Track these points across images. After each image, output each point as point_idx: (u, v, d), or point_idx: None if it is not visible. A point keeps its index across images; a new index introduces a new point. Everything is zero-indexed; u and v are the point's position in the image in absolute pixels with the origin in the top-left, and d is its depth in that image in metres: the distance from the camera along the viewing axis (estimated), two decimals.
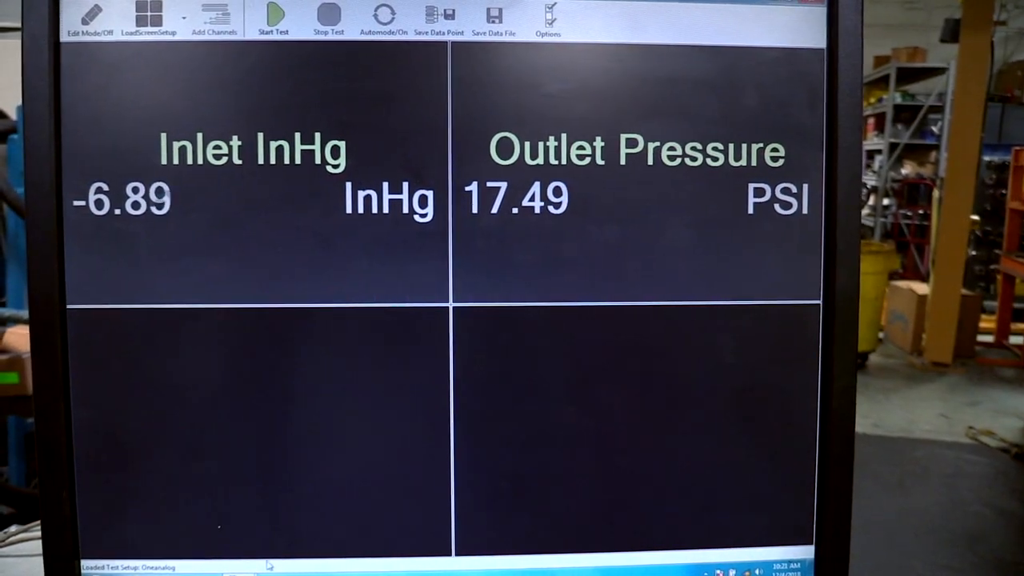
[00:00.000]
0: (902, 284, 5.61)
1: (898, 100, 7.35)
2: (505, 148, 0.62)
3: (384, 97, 0.61)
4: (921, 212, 7.18)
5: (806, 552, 0.66)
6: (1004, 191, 5.79)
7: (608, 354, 0.64)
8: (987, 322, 5.49)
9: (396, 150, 0.62)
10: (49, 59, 0.60)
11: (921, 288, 5.36)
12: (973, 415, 4.09)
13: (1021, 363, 5.06)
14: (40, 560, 0.62)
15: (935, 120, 7.37)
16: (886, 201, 7.53)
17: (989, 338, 5.38)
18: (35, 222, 0.60)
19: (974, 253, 6.17)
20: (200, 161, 0.61)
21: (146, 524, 0.63)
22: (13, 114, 2.85)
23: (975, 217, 5.47)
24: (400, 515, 0.64)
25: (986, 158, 6.16)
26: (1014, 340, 5.34)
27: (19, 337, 2.13)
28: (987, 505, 3.00)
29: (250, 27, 0.61)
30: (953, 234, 5.01)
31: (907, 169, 7.51)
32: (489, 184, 0.62)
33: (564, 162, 0.63)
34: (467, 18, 0.62)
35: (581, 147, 0.63)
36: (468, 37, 0.62)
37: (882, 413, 4.10)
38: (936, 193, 5.73)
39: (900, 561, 2.54)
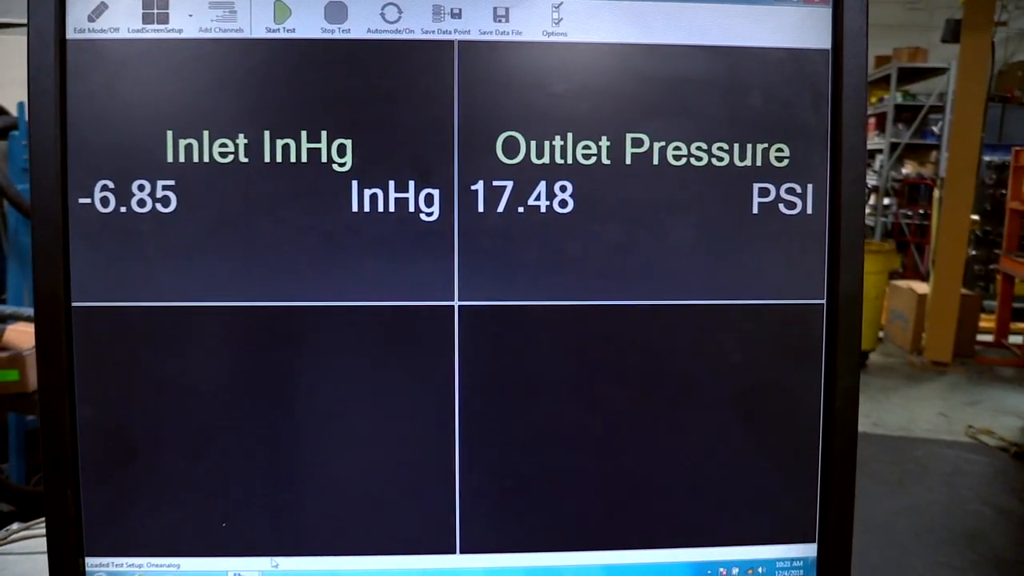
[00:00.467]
0: (902, 283, 5.61)
1: (899, 100, 7.35)
2: (511, 147, 0.62)
3: (390, 96, 0.62)
4: (921, 212, 7.18)
5: (808, 551, 0.66)
6: (1004, 191, 5.79)
7: (611, 353, 0.64)
8: (987, 321, 5.49)
9: (402, 149, 0.62)
10: (55, 56, 0.60)
11: (921, 287, 5.37)
12: (972, 414, 4.10)
13: (1020, 362, 5.07)
14: (43, 558, 0.62)
15: (936, 120, 7.37)
16: (887, 201, 7.54)
17: (989, 337, 5.39)
18: (40, 220, 0.60)
19: (974, 253, 6.17)
20: (206, 159, 0.61)
21: (151, 522, 0.63)
22: (13, 110, 2.85)
23: (975, 217, 5.47)
24: (404, 513, 0.64)
25: (986, 158, 6.16)
26: (1013, 339, 5.35)
27: (19, 334, 2.13)
28: (986, 504, 3.00)
29: (256, 25, 0.61)
30: (953, 234, 5.02)
31: (908, 169, 7.51)
32: (495, 183, 0.62)
33: (570, 161, 0.63)
34: (474, 17, 0.62)
35: (587, 146, 0.63)
36: (475, 36, 0.62)
37: (882, 412, 4.10)
38: (936, 193, 5.73)
39: (900, 559, 2.54)
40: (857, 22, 0.63)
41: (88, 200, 0.61)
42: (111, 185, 0.61)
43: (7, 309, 2.25)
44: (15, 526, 0.96)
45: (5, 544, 0.93)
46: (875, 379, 4.72)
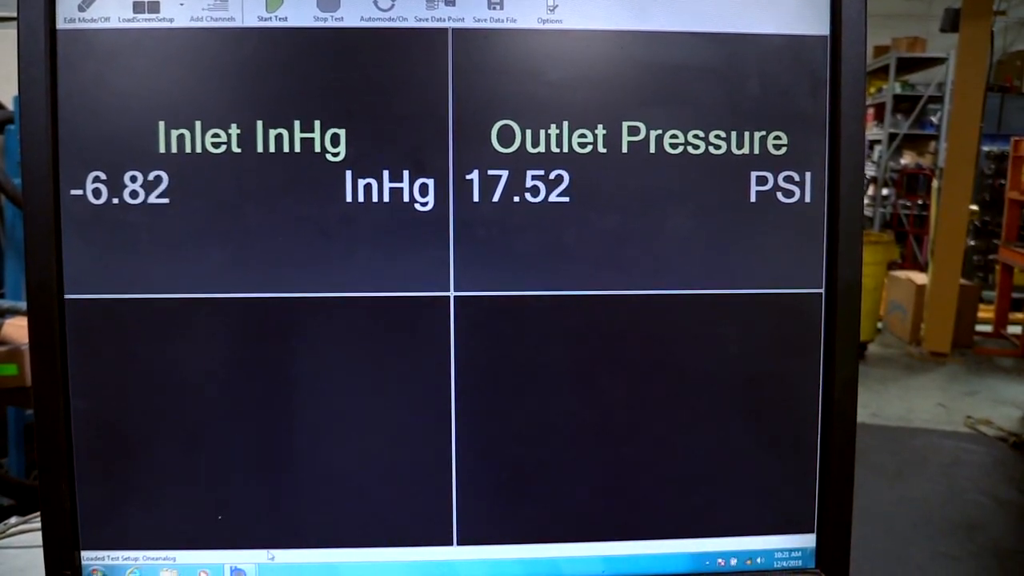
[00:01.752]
0: (901, 274, 5.61)
1: (898, 90, 7.33)
2: (506, 136, 0.62)
3: (384, 85, 0.61)
4: (920, 202, 7.17)
5: (807, 540, 0.66)
6: (1003, 181, 5.78)
7: (608, 343, 0.64)
8: (985, 312, 5.49)
9: (397, 138, 0.61)
10: (45, 47, 0.59)
11: (920, 278, 5.36)
12: (971, 404, 4.10)
13: (1019, 353, 5.07)
14: (41, 552, 0.62)
15: (935, 110, 7.36)
16: (885, 191, 7.53)
17: (987, 328, 5.39)
18: (32, 212, 0.60)
19: (973, 243, 6.16)
20: (199, 149, 0.61)
21: (146, 514, 0.63)
22: (10, 105, 2.84)
23: (974, 207, 5.46)
24: (401, 505, 0.64)
25: (985, 148, 6.14)
26: (1012, 330, 5.35)
27: (18, 328, 2.12)
28: (985, 494, 3.01)
29: (249, 14, 0.60)
30: (952, 224, 5.01)
31: (906, 159, 7.50)
32: (490, 172, 0.62)
33: (565, 150, 0.62)
34: (468, 4, 0.61)
35: (583, 135, 0.62)
36: (469, 24, 0.61)
37: (881, 403, 4.10)
38: (935, 183, 5.72)
39: (898, 550, 2.55)
40: (855, 8, 0.62)
41: (80, 192, 0.60)
42: (103, 176, 0.61)
43: (5, 303, 2.25)
44: (13, 520, 0.96)
45: (3, 538, 0.92)
46: (874, 370, 4.72)
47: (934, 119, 7.39)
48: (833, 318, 0.64)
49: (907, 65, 7.32)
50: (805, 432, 0.65)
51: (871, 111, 7.74)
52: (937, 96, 7.22)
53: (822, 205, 0.64)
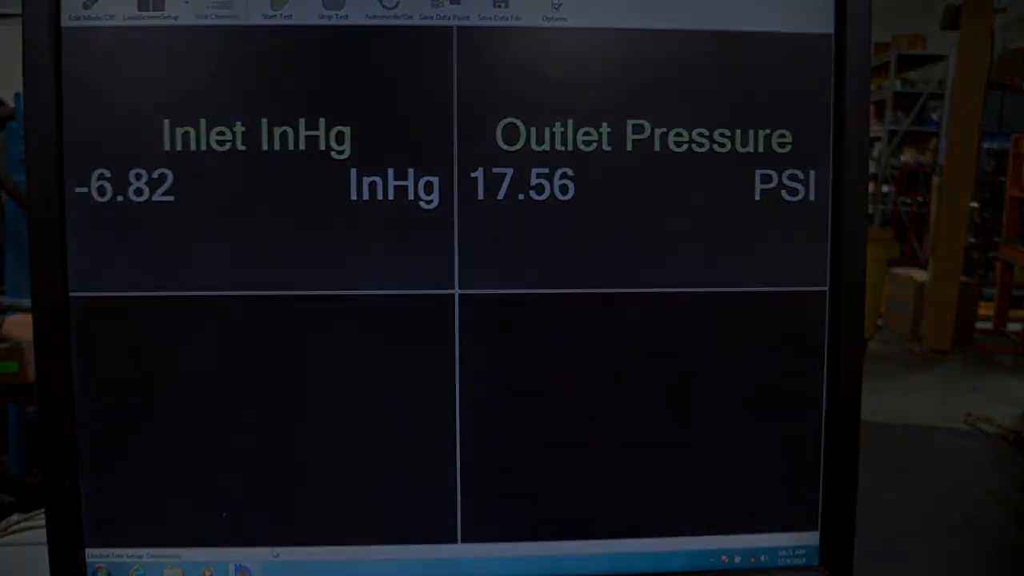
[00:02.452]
0: (901, 271, 5.60)
1: (898, 87, 7.34)
2: (511, 134, 0.62)
3: (389, 82, 0.61)
4: (920, 199, 7.18)
5: (811, 538, 0.66)
6: (1003, 178, 5.76)
7: (612, 341, 0.64)
8: (986, 309, 5.49)
9: (401, 136, 0.61)
10: (50, 44, 0.59)
11: (920, 275, 5.36)
12: (971, 402, 4.10)
13: (1019, 350, 5.06)
14: (43, 549, 0.62)
15: (935, 107, 7.36)
16: (885, 188, 7.53)
17: (988, 325, 5.38)
18: (36, 209, 0.60)
19: (973, 240, 6.15)
20: (203, 147, 0.61)
21: (151, 512, 0.63)
22: (11, 101, 2.84)
23: (974, 204, 5.46)
24: (406, 502, 0.64)
25: (986, 145, 6.13)
26: (1012, 327, 5.34)
27: (19, 325, 2.12)
28: (985, 491, 3.01)
29: (253, 11, 0.60)
30: (952, 221, 5.00)
31: (906, 156, 7.51)
32: (495, 170, 0.62)
33: (570, 148, 0.62)
34: (472, 2, 0.61)
35: (587, 133, 0.62)
36: (474, 22, 0.61)
37: (881, 400, 4.10)
38: (935, 180, 5.72)
39: (899, 547, 2.55)
40: (860, 5, 0.62)
41: (85, 189, 0.60)
42: (108, 174, 0.61)
43: (6, 300, 2.25)
44: (15, 517, 0.96)
45: (5, 535, 0.92)
46: (874, 367, 4.72)
47: (934, 116, 7.40)
48: (838, 316, 0.64)
49: (907, 62, 7.32)
50: (809, 429, 0.65)
51: (871, 108, 7.74)
52: (937, 93, 7.22)
53: (826, 203, 0.64)
